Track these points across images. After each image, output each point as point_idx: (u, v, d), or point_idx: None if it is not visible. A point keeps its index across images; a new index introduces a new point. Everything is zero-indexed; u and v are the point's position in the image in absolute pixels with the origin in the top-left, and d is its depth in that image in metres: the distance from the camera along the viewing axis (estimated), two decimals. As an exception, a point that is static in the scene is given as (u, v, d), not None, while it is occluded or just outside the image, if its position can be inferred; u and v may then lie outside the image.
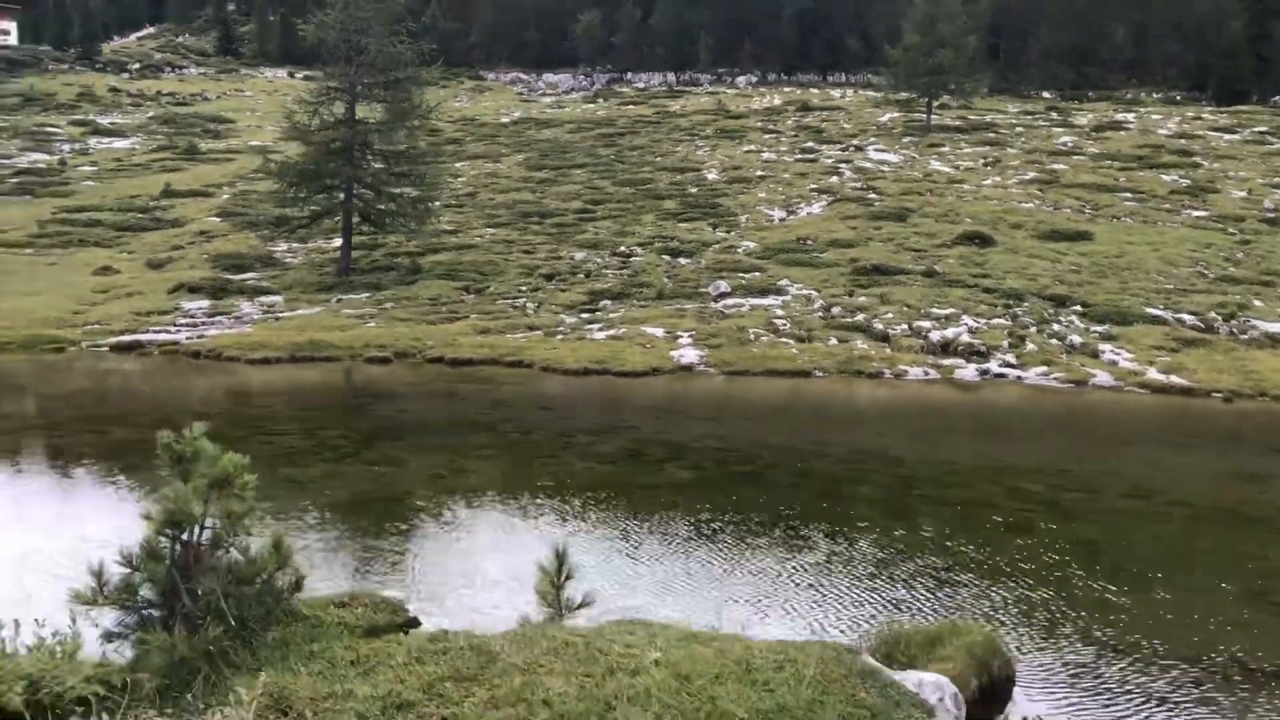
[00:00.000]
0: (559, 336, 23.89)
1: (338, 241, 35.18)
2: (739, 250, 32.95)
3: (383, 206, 31.27)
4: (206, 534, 3.49)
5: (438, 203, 32.58)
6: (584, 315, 26.12)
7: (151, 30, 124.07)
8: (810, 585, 9.11)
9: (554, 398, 18.71)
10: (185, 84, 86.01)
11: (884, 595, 8.89)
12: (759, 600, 8.73)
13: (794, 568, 9.57)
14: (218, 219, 38.94)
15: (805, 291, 27.93)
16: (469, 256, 32.92)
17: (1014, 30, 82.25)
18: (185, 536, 3.44)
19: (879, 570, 9.54)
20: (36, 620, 5.42)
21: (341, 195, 30.76)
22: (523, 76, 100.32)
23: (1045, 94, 75.44)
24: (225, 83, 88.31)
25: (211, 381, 20.42)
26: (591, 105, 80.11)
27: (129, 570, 3.46)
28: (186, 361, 22.30)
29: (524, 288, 29.20)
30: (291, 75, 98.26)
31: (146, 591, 4.18)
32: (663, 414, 17.46)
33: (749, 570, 9.47)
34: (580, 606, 6.13)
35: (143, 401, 18.49)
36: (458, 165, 48.42)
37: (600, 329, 24.52)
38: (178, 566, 3.38)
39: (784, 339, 23.53)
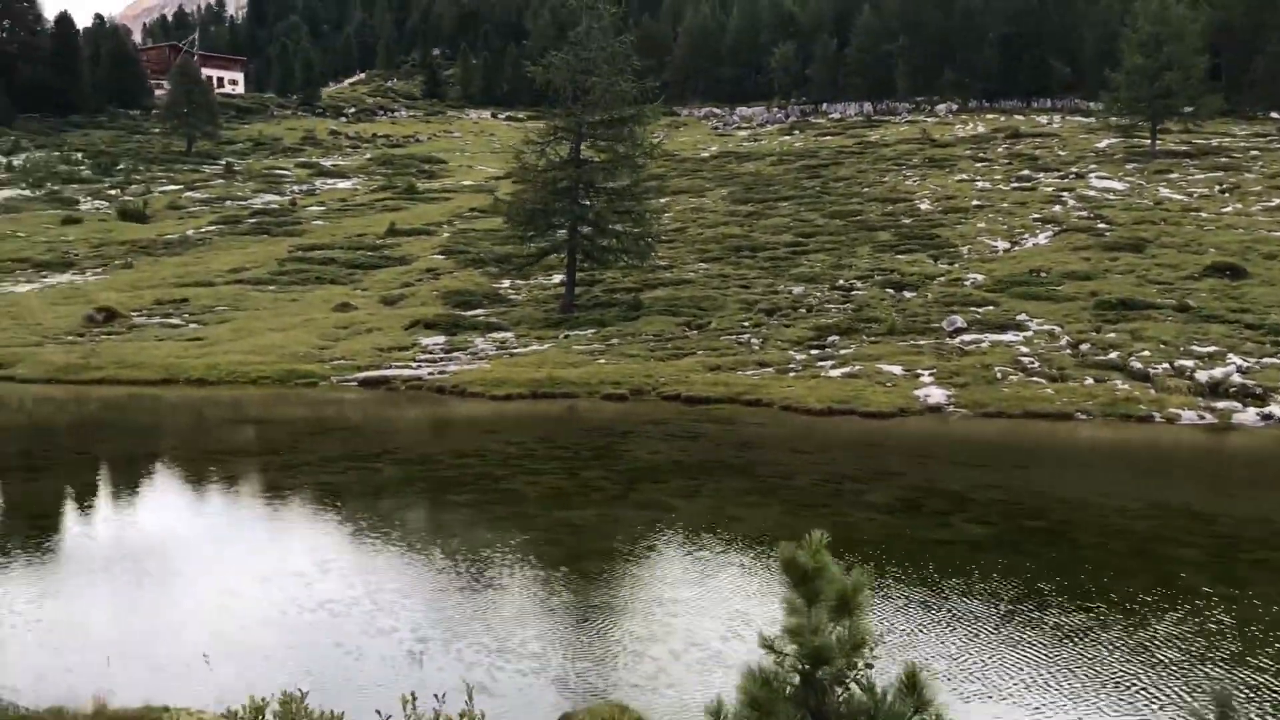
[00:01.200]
0: (792, 374, 23.36)
1: (557, 278, 35.86)
2: (966, 283, 31.69)
3: (605, 243, 31.59)
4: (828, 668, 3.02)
5: (659, 239, 32.61)
6: (813, 352, 25.52)
7: (362, 76, 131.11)
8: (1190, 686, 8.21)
9: (803, 439, 18.18)
10: (398, 126, 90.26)
11: None
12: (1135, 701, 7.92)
13: (1167, 661, 8.69)
14: (441, 256, 40.29)
15: (1047, 327, 26.49)
16: (686, 292, 32.87)
17: (1237, 48, 77.11)
18: (815, 673, 2.97)
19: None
20: None
21: (565, 233, 31.24)
22: (716, 111, 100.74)
23: (1274, 114, 70.23)
24: (434, 124, 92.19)
25: (460, 417, 20.84)
26: (788, 137, 79.61)
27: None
28: (432, 397, 22.89)
29: (746, 323, 28.86)
30: (495, 116, 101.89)
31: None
32: (925, 459, 16.67)
33: (1107, 661, 8.64)
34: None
35: (402, 438, 18.98)
36: (662, 200, 48.65)
37: (834, 366, 23.86)
38: (811, 712, 2.92)
39: (1034, 378, 22.29)
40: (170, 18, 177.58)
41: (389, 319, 30.79)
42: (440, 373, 24.80)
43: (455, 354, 27.12)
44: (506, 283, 35.68)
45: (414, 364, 26.06)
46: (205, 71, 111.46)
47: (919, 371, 22.93)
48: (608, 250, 31.73)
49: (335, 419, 21.15)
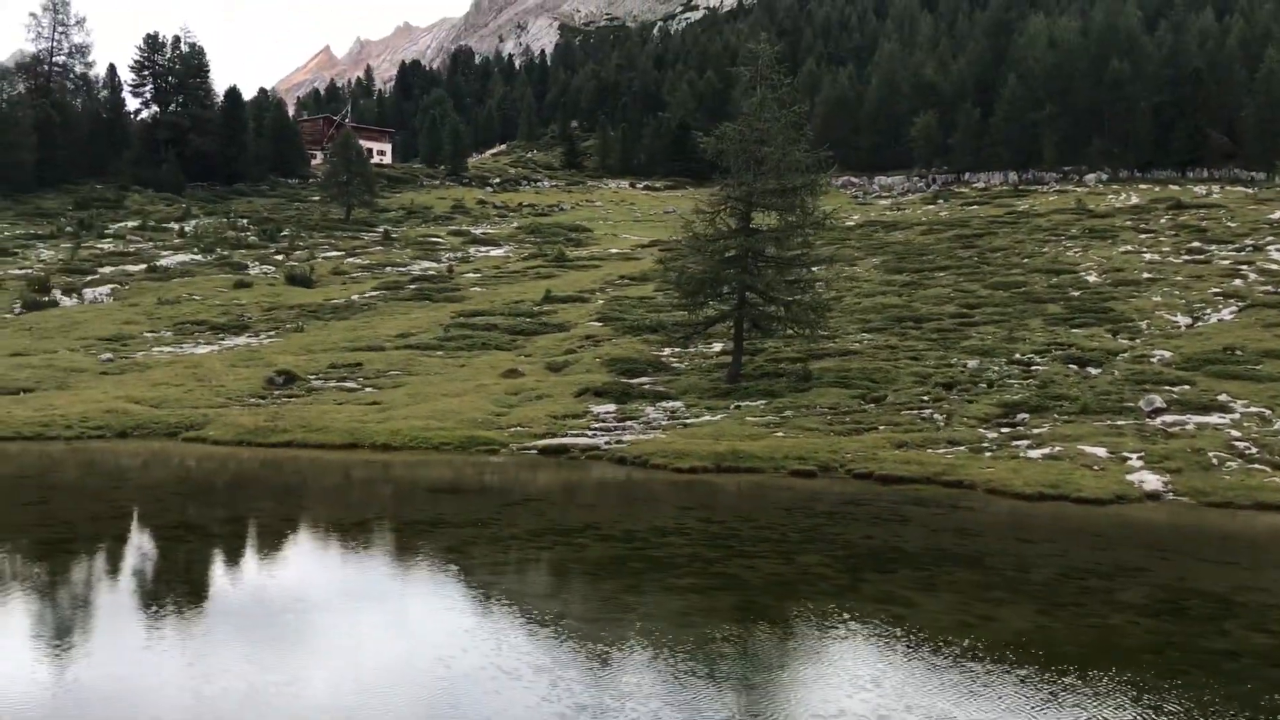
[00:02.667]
0: (987, 454, 22.35)
1: (717, 346, 35.58)
2: (1153, 360, 30.18)
3: (773, 312, 31.18)
4: None
5: (828, 309, 32.03)
6: (1004, 430, 24.44)
7: (503, 147, 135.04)
8: None
9: (1021, 527, 17.20)
10: (541, 196, 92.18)
11: None
12: None
13: None
14: (599, 323, 40.46)
15: (1254, 409, 24.87)
16: (854, 363, 32.14)
17: None
18: None
19: None
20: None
21: (733, 302, 30.97)
22: (854, 179, 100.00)
23: None
24: (576, 194, 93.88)
25: (647, 491, 20.48)
26: (932, 206, 78.42)
27: None
28: (613, 468, 22.61)
29: (925, 397, 27.92)
30: (633, 185, 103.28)
31: None
32: (1164, 553, 15.53)
33: None
34: None
35: (598, 512, 18.67)
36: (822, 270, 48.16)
37: (1030, 446, 22.75)
38: None
39: (1255, 465, 20.82)
40: (322, 91, 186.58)
41: (557, 386, 30.83)
42: (617, 442, 24.55)
43: (628, 423, 26.89)
44: (667, 351, 35.53)
45: (589, 433, 25.91)
46: (358, 143, 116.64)
47: (1125, 455, 21.66)
48: (775, 319, 31.31)
49: (526, 489, 20.98)
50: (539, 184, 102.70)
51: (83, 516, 17.31)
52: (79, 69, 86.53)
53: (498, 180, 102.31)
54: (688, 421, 26.60)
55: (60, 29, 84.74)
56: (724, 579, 13.61)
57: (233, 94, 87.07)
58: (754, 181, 30.64)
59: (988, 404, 26.72)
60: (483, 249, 62.53)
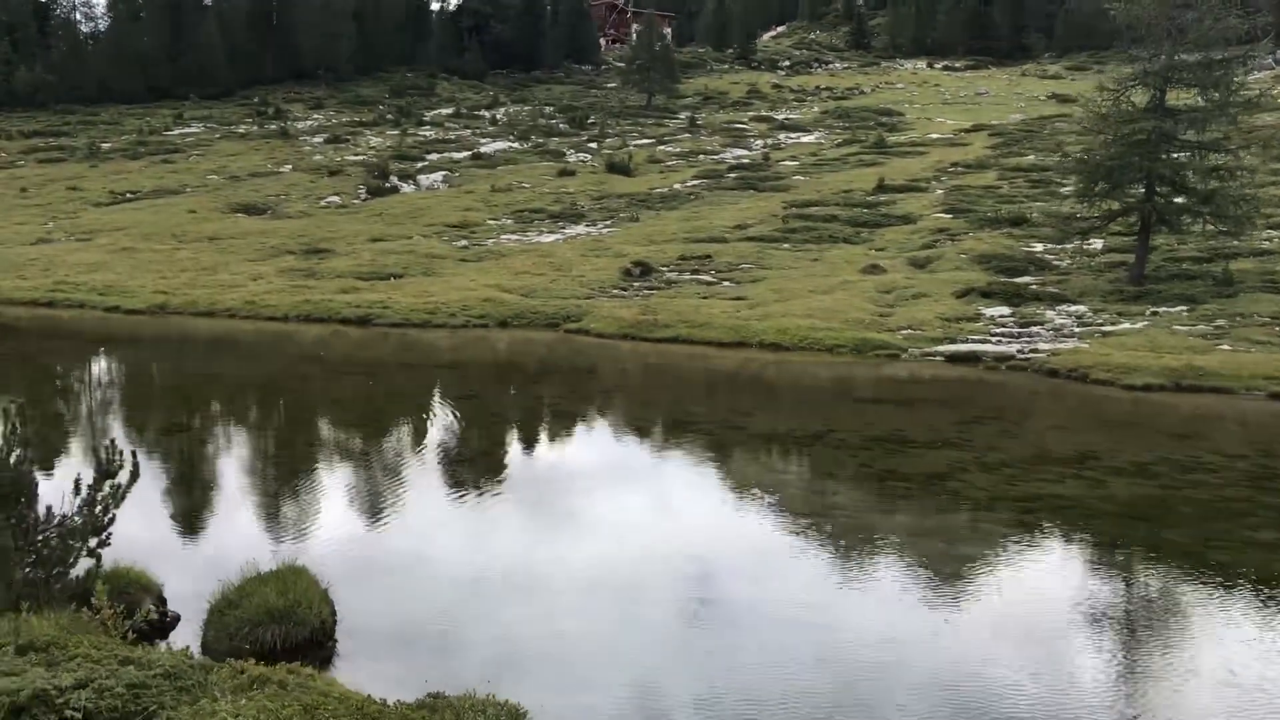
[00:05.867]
0: None
1: (1097, 243, 31.91)
2: None
3: (1186, 204, 27.33)
4: None
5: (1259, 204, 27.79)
6: None
7: (783, 28, 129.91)
8: None
9: None
10: (836, 78, 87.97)
11: None
12: None
13: None
14: (948, 215, 37.44)
15: None
16: (1277, 265, 27.93)
17: None
18: None
19: None
20: None
21: (1141, 192, 27.34)
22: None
23: None
24: (873, 76, 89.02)
25: (1109, 410, 18.05)
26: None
27: None
28: (1043, 380, 20.22)
29: (1390, 308, 23.71)
30: (930, 66, 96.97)
31: None
32: None
33: None
34: None
35: (1081, 436, 16.41)
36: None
37: None
38: None
39: None
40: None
41: (931, 284, 28.41)
42: (1032, 351, 22.04)
43: (1033, 328, 24.24)
44: (1039, 247, 32.26)
45: (992, 339, 23.51)
46: (636, 27, 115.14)
47: None
48: (1190, 213, 27.47)
49: (966, 403, 18.91)
50: (830, 66, 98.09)
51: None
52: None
53: (787, 63, 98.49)
54: (1106, 330, 23.66)
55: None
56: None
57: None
58: (1173, 53, 26.60)
59: None
60: (792, 135, 59.92)
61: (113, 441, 8.40)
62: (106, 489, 8.29)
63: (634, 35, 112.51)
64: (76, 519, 7.92)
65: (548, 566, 10.19)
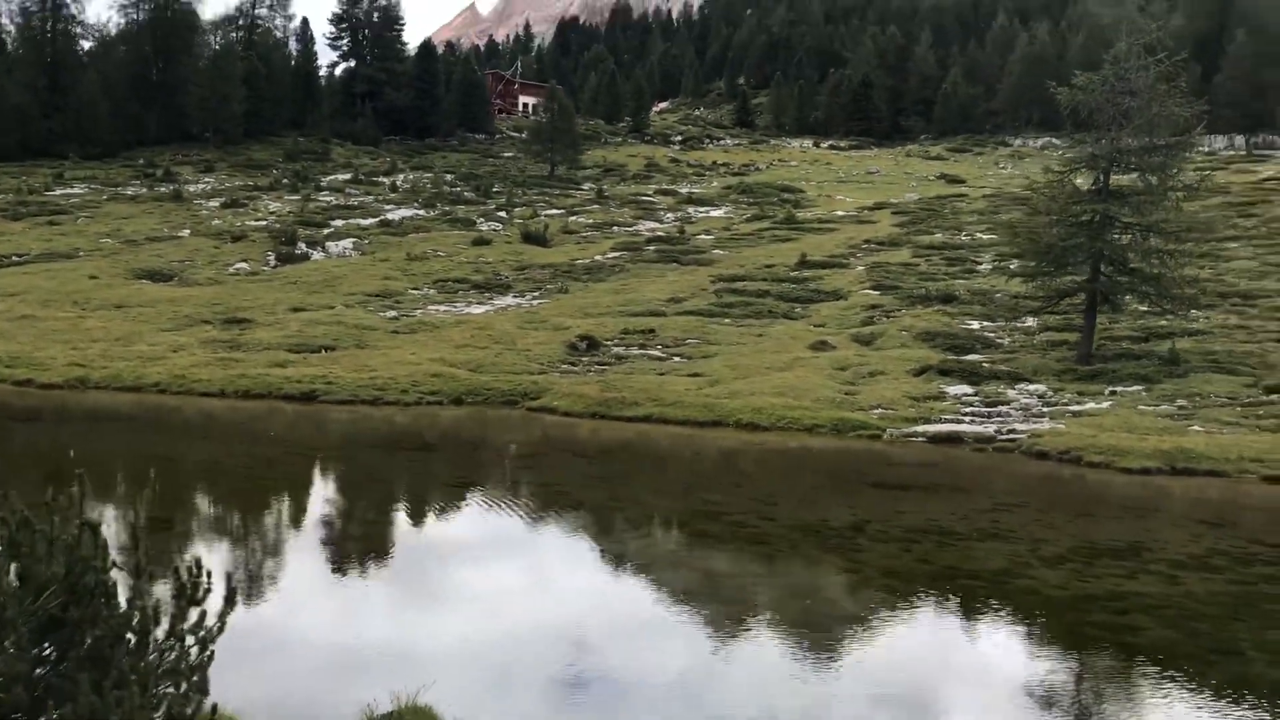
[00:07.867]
0: None
1: (1030, 321, 32.40)
2: None
3: (1129, 284, 28.00)
4: None
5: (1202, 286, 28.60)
6: None
7: (667, 104, 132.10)
8: None
9: None
10: (729, 155, 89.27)
11: None
12: None
13: None
14: (874, 291, 37.70)
15: None
16: (1213, 344, 28.75)
17: None
18: None
19: None
20: None
21: (1085, 273, 27.89)
22: (1055, 140, 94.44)
23: None
24: (764, 153, 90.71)
25: (1100, 496, 17.81)
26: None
27: None
28: (1034, 463, 19.95)
29: (1334, 388, 24.45)
30: (816, 145, 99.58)
31: None
32: None
33: None
34: None
35: (1107, 527, 16.03)
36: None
37: None
38: None
39: None
40: (482, 47, 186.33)
41: (885, 362, 28.25)
42: (1010, 431, 21.88)
43: (999, 407, 24.16)
44: (976, 325, 32.64)
45: (964, 419, 23.30)
46: (522, 99, 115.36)
47: None
48: (1133, 293, 28.15)
49: (975, 488, 18.44)
50: (722, 142, 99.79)
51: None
52: (279, 21, 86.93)
53: (679, 138, 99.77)
54: (1074, 409, 23.72)
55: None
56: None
57: (426, 48, 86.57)
58: (1117, 139, 27.38)
59: None
60: (700, 209, 60.12)
61: (198, 560, 6.97)
62: (194, 617, 6.89)
63: (521, 106, 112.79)
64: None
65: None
